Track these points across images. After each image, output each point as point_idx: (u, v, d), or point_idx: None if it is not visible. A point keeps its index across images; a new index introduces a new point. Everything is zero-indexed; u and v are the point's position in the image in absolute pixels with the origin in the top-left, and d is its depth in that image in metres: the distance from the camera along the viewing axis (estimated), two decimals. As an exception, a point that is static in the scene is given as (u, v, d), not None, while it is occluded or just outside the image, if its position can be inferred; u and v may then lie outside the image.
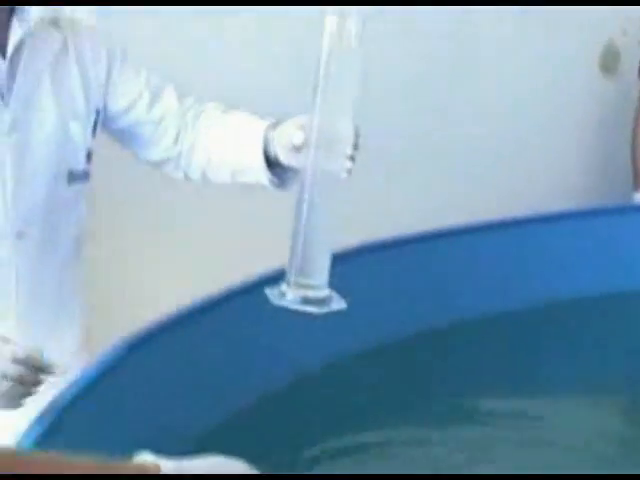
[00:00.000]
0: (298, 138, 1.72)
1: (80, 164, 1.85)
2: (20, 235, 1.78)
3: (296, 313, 1.62)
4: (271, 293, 1.63)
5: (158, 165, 1.99)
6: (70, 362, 1.81)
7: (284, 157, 1.81)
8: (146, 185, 2.54)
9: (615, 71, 3.68)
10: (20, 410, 1.61)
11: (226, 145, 1.91)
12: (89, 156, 1.87)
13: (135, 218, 2.75)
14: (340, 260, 1.66)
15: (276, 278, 1.65)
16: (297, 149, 1.74)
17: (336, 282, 1.62)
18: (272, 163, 1.85)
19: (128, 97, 1.90)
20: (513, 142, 3.50)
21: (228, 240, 2.85)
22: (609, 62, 3.65)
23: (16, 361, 1.55)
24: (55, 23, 1.81)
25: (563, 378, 2.29)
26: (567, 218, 2.69)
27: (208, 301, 1.94)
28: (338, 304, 1.64)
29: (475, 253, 2.46)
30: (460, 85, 3.36)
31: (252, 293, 1.86)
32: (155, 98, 1.92)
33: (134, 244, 2.78)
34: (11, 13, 1.72)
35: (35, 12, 1.73)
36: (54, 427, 1.52)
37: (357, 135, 1.71)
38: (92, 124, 1.87)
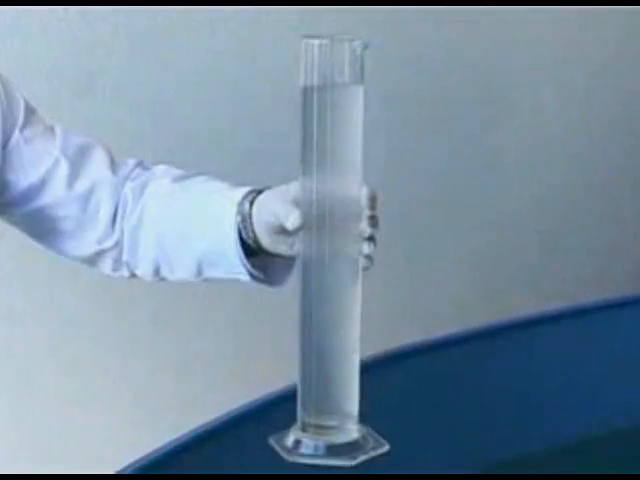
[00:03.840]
0: (292, 222, 1.23)
1: None
2: None
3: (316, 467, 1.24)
4: (279, 445, 1.24)
5: (91, 261, 1.53)
6: None
7: (269, 243, 1.33)
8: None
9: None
10: None
11: (185, 227, 1.45)
12: None
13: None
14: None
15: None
16: (288, 232, 1.27)
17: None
18: (252, 250, 1.37)
19: (39, 168, 1.46)
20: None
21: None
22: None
23: None
24: None
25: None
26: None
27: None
28: (377, 446, 1.24)
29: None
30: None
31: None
32: (78, 166, 1.47)
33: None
34: None
35: None
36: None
37: (374, 205, 1.23)
38: None
